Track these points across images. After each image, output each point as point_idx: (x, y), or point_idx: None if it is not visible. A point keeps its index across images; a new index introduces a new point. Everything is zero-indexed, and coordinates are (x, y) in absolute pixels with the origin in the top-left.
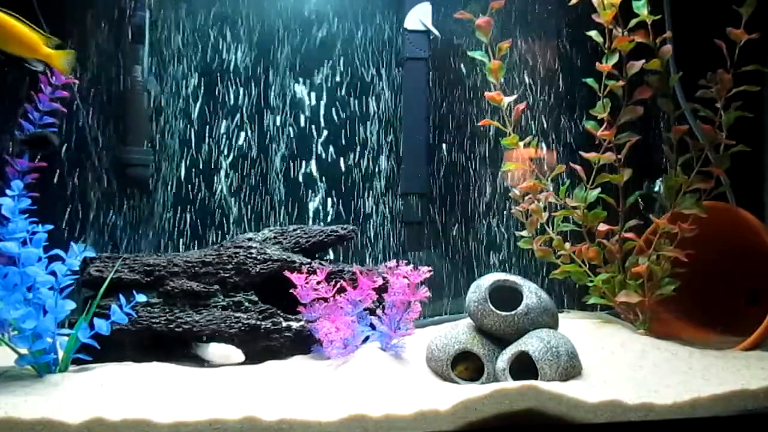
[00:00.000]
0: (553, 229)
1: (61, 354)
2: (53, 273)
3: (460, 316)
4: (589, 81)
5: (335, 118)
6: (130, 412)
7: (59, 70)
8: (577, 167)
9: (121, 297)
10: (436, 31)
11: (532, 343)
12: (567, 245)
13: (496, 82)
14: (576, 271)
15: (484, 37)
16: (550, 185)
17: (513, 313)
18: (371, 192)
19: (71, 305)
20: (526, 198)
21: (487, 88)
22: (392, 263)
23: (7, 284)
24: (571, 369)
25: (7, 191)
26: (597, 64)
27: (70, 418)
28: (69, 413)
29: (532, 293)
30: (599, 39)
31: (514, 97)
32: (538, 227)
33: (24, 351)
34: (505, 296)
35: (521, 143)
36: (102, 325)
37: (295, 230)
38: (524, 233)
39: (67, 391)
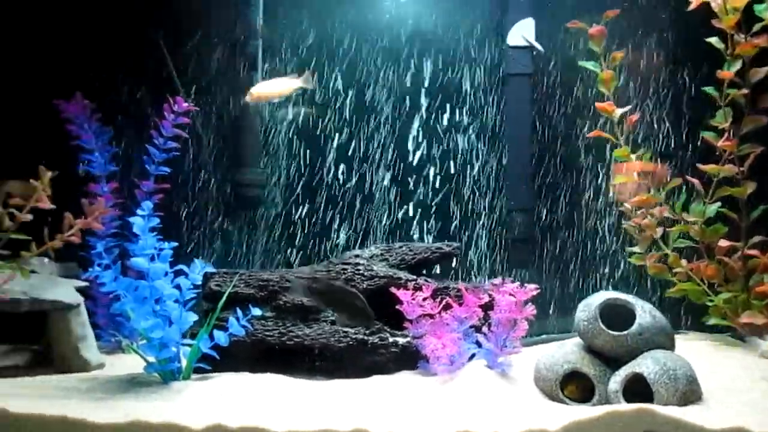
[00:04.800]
0: (667, 245)
1: (184, 363)
2: (178, 287)
3: (569, 335)
4: (709, 90)
5: (439, 136)
6: (247, 420)
7: None
8: (695, 180)
9: (238, 310)
10: (539, 47)
11: (647, 364)
12: (683, 262)
13: (608, 92)
14: (694, 290)
15: (597, 46)
16: (664, 199)
17: (625, 333)
18: (476, 209)
19: (194, 317)
20: (639, 212)
21: (594, 100)
22: (498, 280)
23: (137, 297)
24: (689, 393)
25: (138, 211)
26: (718, 71)
27: (192, 423)
28: (191, 418)
29: (645, 312)
30: (720, 45)
31: (627, 108)
32: (652, 243)
33: (151, 359)
34: (616, 315)
35: (633, 155)
36: (221, 337)
37: (400, 247)
38: (636, 249)
39: (189, 398)
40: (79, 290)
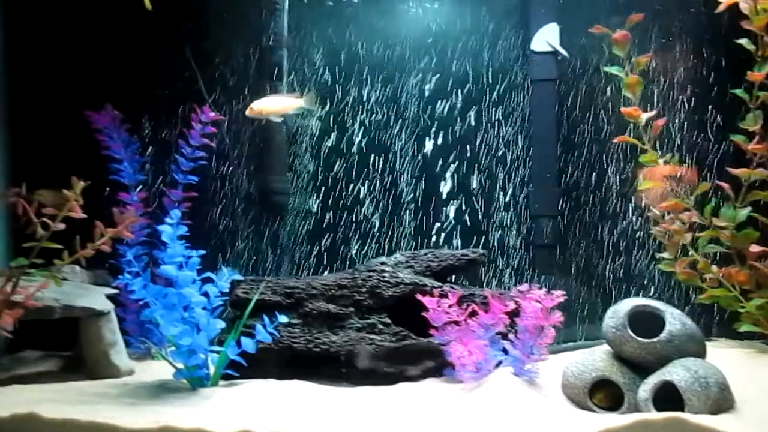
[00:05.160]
0: (697, 250)
1: (212, 369)
2: (206, 294)
3: (597, 342)
4: (738, 92)
5: (464, 141)
6: (274, 426)
7: None
8: (724, 185)
9: (265, 317)
10: (564, 52)
11: (678, 372)
12: (714, 268)
13: (634, 97)
14: (725, 296)
15: (621, 51)
16: (693, 204)
17: (655, 340)
18: (500, 215)
19: (221, 324)
20: (667, 218)
21: (620, 105)
22: (524, 287)
23: (166, 304)
24: (722, 401)
25: (167, 219)
26: (748, 73)
27: (220, 428)
28: (220, 424)
29: (675, 319)
30: (750, 47)
31: (653, 112)
32: (681, 249)
33: (180, 366)
34: (645, 322)
35: (660, 160)
36: (248, 344)
37: (426, 254)
38: (665, 255)
39: (217, 404)
40: (109, 297)
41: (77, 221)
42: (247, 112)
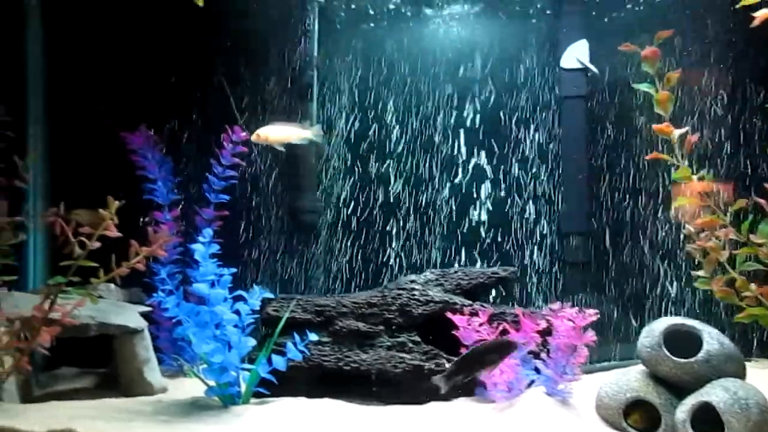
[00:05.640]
0: (734, 268)
1: (243, 387)
2: (237, 312)
3: (631, 362)
4: None
5: (494, 159)
6: None
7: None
8: (761, 201)
9: (296, 335)
10: (594, 68)
11: (717, 393)
12: (752, 286)
13: (665, 113)
14: (764, 315)
15: (650, 68)
16: (730, 220)
17: (692, 360)
18: (531, 232)
19: (252, 342)
20: (702, 235)
21: (653, 121)
22: (556, 305)
23: (199, 322)
24: (762, 424)
25: (199, 238)
26: None
27: None
28: None
29: (713, 339)
30: None
31: (686, 128)
32: (717, 266)
33: (212, 383)
34: (681, 342)
35: (694, 176)
36: (279, 362)
37: (456, 272)
38: (701, 273)
39: (249, 422)
40: (143, 315)
41: (111, 239)
42: (253, 138)
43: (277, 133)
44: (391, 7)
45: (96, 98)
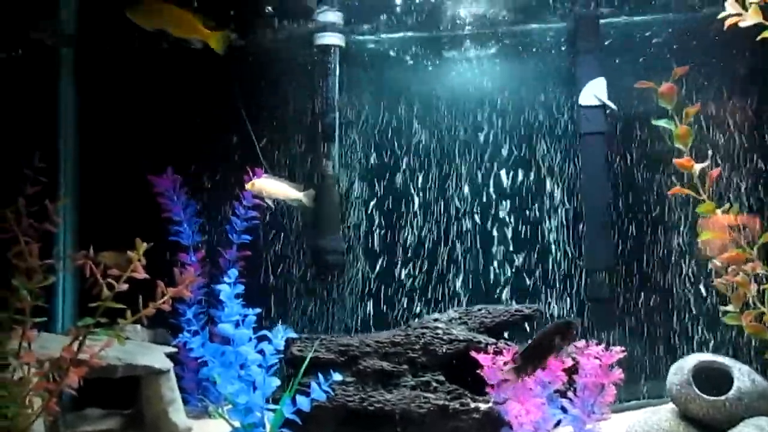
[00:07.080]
0: (764, 302)
1: (268, 427)
2: (261, 352)
3: (661, 400)
4: None
5: (517, 196)
6: None
7: (215, 48)
8: None
9: (320, 375)
10: (612, 105)
11: None
12: None
13: (685, 148)
14: None
15: (667, 104)
16: (757, 255)
17: (723, 398)
18: (555, 269)
19: (277, 382)
20: (729, 269)
21: (672, 155)
22: (581, 343)
23: (224, 362)
24: None
25: (224, 278)
26: None
27: None
28: None
29: (744, 375)
30: None
31: (707, 162)
32: (746, 300)
33: (237, 424)
34: (712, 379)
35: (719, 210)
36: (303, 402)
37: (479, 310)
38: (730, 308)
39: None
40: (168, 355)
41: (137, 280)
42: (248, 186)
43: (270, 187)
44: (413, 49)
45: (124, 144)
